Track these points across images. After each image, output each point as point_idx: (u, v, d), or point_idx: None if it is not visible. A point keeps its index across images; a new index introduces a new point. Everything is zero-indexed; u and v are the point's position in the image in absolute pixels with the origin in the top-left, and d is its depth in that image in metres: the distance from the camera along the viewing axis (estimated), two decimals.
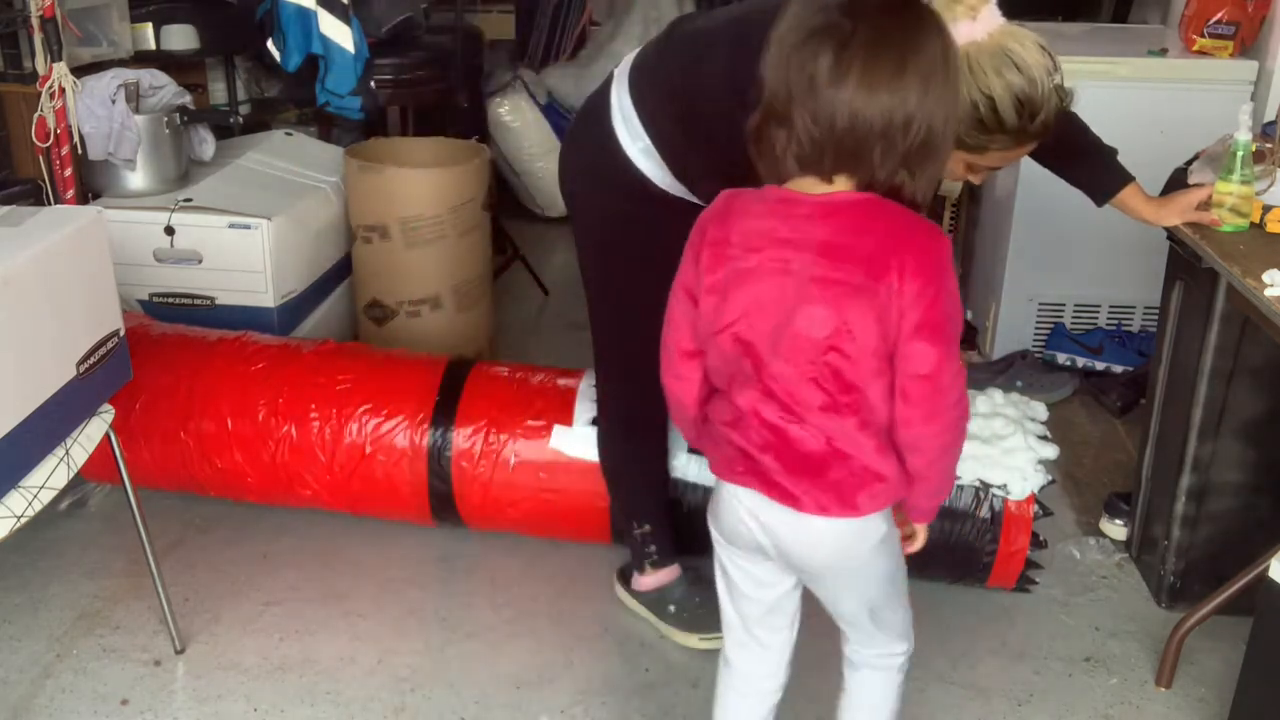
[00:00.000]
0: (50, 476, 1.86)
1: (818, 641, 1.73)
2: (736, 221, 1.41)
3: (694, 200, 1.99)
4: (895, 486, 1.45)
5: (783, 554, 1.52)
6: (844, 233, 1.34)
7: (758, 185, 1.43)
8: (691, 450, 2.34)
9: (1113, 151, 2.02)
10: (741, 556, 1.58)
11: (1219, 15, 3.02)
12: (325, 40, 3.33)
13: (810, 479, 1.44)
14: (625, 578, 2.34)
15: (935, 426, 1.40)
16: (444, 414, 2.42)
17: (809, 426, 1.41)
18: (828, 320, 1.35)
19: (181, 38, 3.29)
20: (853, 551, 1.50)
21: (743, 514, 1.51)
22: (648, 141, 1.92)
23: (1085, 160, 2.01)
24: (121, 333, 2.03)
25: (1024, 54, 1.61)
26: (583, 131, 2.06)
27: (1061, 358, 3.31)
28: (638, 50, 1.99)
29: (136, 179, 2.99)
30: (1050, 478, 2.28)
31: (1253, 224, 2.06)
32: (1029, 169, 1.74)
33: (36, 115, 2.62)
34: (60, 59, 2.61)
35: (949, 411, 1.40)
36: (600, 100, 1.99)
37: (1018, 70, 1.61)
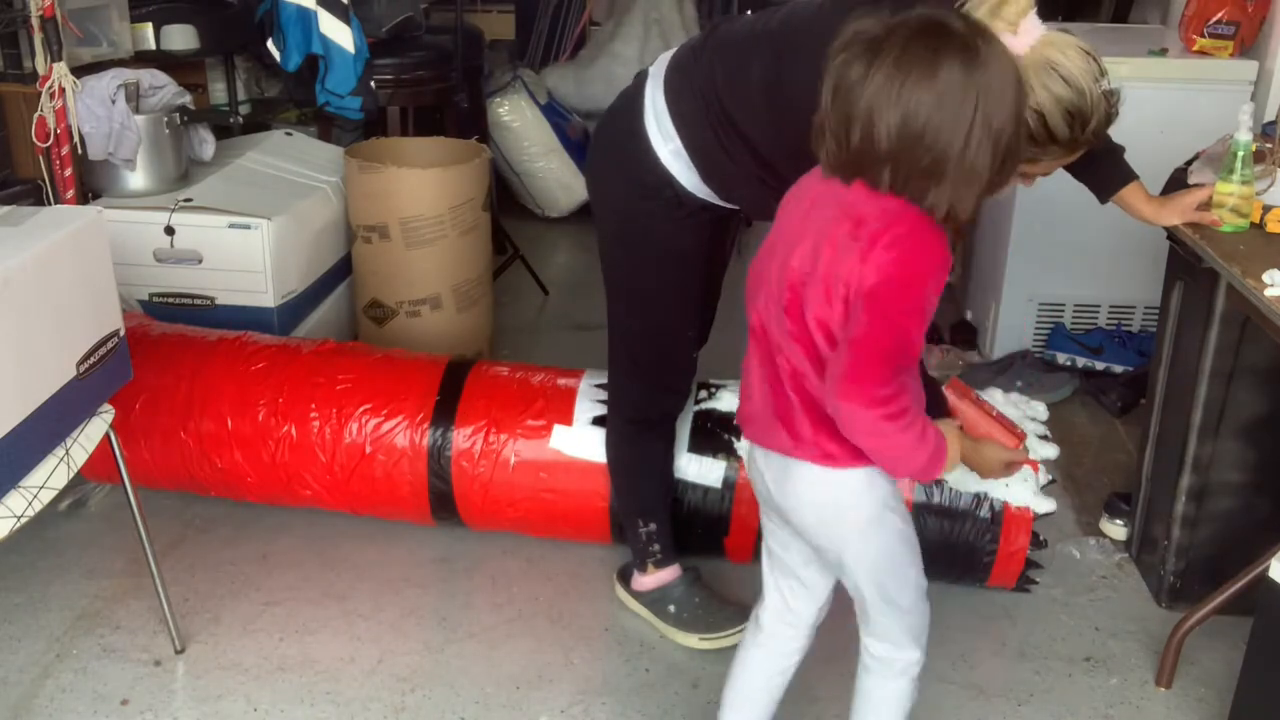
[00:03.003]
0: (50, 476, 1.86)
1: (822, 644, 1.75)
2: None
3: (719, 204, 1.98)
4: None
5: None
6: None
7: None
8: (691, 450, 2.34)
9: (1120, 149, 2.02)
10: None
11: (1219, 15, 3.02)
12: (325, 40, 3.33)
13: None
14: (625, 578, 2.34)
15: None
16: (444, 414, 2.42)
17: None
18: None
19: (181, 38, 3.29)
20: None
21: None
22: (679, 144, 1.91)
23: (1093, 156, 2.01)
24: (121, 333, 2.03)
25: (1068, 64, 1.60)
26: (613, 128, 2.04)
27: (1061, 358, 3.31)
28: (674, 51, 1.97)
29: (136, 179, 2.99)
30: (1050, 477, 2.28)
31: (1253, 224, 2.06)
32: None
33: (36, 115, 2.61)
34: (60, 59, 2.61)
35: None
36: (633, 99, 1.97)
37: (1064, 82, 1.60)
